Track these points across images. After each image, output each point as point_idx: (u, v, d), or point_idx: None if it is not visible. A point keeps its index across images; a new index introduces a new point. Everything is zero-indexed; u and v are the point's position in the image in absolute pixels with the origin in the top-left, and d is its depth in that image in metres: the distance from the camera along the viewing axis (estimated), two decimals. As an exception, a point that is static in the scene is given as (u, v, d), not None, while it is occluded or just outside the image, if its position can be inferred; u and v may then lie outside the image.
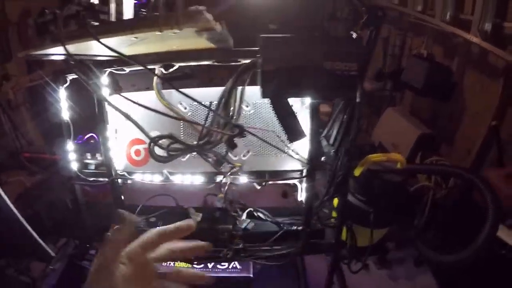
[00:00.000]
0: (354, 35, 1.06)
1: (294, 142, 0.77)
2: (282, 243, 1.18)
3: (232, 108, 0.93)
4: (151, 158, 0.93)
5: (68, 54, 0.68)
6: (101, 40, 0.64)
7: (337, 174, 1.06)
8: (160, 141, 0.94)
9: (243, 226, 1.10)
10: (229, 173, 0.97)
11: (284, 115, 0.72)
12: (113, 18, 0.71)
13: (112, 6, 0.70)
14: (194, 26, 0.64)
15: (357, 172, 1.14)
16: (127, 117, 0.94)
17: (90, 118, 1.33)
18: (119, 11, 0.71)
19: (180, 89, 0.85)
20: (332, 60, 0.74)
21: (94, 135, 1.41)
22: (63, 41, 0.61)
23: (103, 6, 0.70)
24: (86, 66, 1.02)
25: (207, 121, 0.96)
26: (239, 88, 0.95)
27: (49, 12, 0.75)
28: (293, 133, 0.72)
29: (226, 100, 0.91)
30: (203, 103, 0.94)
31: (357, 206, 1.17)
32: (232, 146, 0.79)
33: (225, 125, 0.92)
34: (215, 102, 1.03)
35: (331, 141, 1.11)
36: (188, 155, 1.05)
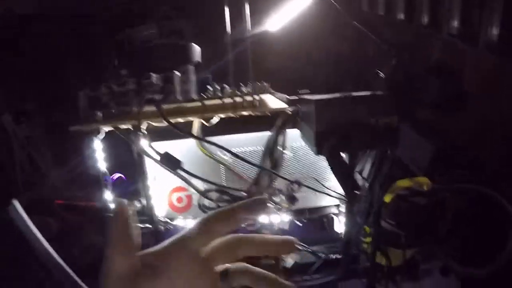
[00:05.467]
0: (381, 75, 1.12)
1: (351, 198, 0.82)
2: (321, 271, 1.23)
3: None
4: (201, 211, 0.96)
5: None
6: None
7: (373, 206, 1.12)
8: (209, 193, 0.97)
9: (287, 262, 1.14)
10: (274, 212, 1.01)
11: (339, 170, 0.77)
12: (179, 96, 0.74)
13: (177, 85, 0.73)
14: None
15: (387, 199, 1.21)
16: (175, 173, 0.97)
17: (115, 157, 1.33)
18: (185, 89, 0.74)
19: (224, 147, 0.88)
20: (376, 116, 0.80)
21: (122, 175, 1.42)
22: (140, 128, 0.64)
23: (168, 85, 0.73)
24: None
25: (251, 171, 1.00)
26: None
27: (105, 86, 0.77)
28: (349, 187, 0.77)
29: (271, 149, 0.95)
30: (245, 149, 0.98)
31: (389, 230, 1.23)
32: (293, 201, 0.84)
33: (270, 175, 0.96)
34: (253, 148, 1.08)
35: (364, 174, 1.17)
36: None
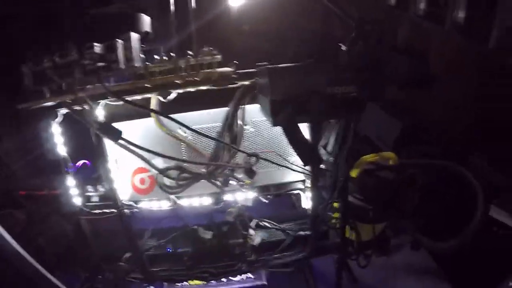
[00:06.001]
0: (343, 48, 1.11)
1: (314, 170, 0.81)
2: (291, 249, 1.23)
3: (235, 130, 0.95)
4: (162, 190, 0.94)
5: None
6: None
7: (338, 180, 1.12)
8: (168, 171, 0.95)
9: (254, 240, 1.14)
10: (238, 189, 1.00)
11: (296, 140, 0.76)
12: (122, 65, 0.71)
13: (120, 53, 0.70)
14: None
15: (353, 173, 1.21)
16: (131, 151, 0.94)
17: (79, 143, 1.28)
18: (128, 57, 0.71)
19: (182, 119, 0.86)
20: (333, 85, 0.78)
21: (86, 161, 1.37)
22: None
23: (111, 54, 0.69)
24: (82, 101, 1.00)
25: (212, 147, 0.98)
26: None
27: (47, 60, 0.73)
28: (307, 158, 0.76)
29: (230, 123, 0.93)
30: (205, 126, 0.96)
31: (357, 205, 1.24)
32: (252, 175, 0.82)
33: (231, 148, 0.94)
34: (213, 125, 1.05)
35: (329, 149, 1.17)
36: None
